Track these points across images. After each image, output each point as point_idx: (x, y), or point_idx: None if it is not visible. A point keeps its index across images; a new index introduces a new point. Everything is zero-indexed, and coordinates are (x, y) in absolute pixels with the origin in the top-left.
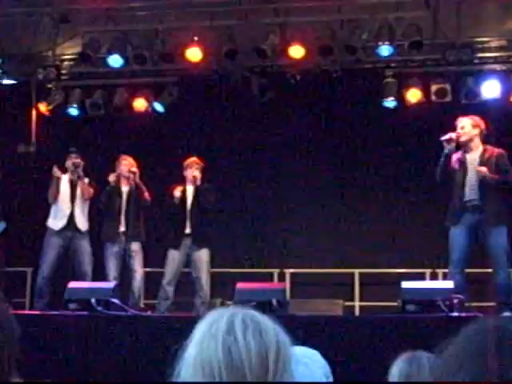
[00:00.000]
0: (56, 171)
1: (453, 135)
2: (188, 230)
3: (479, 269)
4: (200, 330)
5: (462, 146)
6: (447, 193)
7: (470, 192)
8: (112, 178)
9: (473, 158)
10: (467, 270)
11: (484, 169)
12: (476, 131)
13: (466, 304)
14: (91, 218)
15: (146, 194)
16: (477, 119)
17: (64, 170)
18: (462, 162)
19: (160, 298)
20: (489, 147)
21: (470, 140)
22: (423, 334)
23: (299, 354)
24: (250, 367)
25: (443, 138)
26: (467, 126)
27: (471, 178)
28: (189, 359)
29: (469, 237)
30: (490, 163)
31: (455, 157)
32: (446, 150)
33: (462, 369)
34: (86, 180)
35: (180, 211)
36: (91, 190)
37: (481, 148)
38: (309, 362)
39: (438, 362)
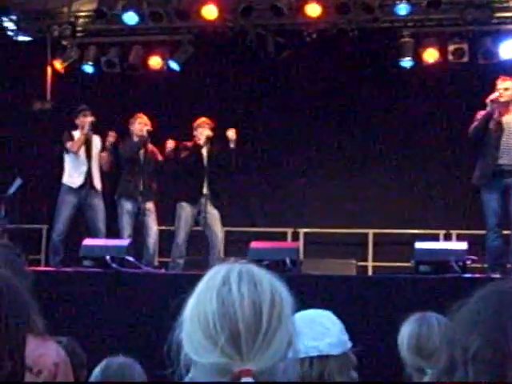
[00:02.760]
0: (88, 119)
1: (496, 94)
2: (205, 190)
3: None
4: (199, 285)
5: (499, 107)
6: (475, 152)
7: (504, 155)
8: (145, 133)
9: (509, 119)
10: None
11: None
12: None
13: (507, 266)
14: (103, 177)
15: (159, 155)
16: None
17: (74, 127)
18: (498, 124)
19: (175, 256)
20: None
21: (510, 102)
22: (436, 295)
23: (314, 314)
24: (243, 316)
25: (490, 97)
26: (511, 88)
27: (507, 141)
28: (187, 311)
29: (501, 200)
30: None
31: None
32: (488, 109)
33: (474, 331)
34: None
35: (196, 171)
36: (111, 165)
37: None
38: (324, 320)
39: (451, 323)
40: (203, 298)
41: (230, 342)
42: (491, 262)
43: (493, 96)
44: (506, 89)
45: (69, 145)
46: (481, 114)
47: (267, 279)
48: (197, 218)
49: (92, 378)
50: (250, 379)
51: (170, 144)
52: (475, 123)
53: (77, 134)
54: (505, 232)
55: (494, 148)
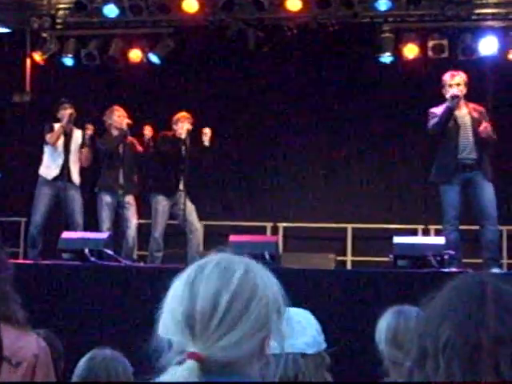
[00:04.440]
0: (67, 112)
1: (455, 90)
2: (182, 184)
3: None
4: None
5: (458, 102)
6: (435, 149)
7: (465, 149)
8: (125, 126)
9: (462, 114)
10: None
11: (489, 127)
12: (465, 88)
13: (461, 260)
14: (82, 171)
15: (139, 147)
16: (464, 75)
17: (56, 120)
18: (454, 120)
19: (152, 249)
20: (470, 104)
21: (461, 98)
22: (414, 289)
23: (291, 312)
24: (202, 299)
25: (454, 93)
26: (462, 83)
27: (465, 136)
28: (169, 291)
29: (461, 194)
30: (480, 120)
31: (438, 112)
32: (450, 105)
33: (445, 321)
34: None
35: (174, 164)
36: (90, 161)
37: (464, 105)
38: (301, 319)
39: (423, 315)
40: (181, 277)
41: (187, 323)
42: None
43: (454, 92)
44: (458, 84)
45: (47, 137)
46: (434, 111)
47: (244, 270)
48: (172, 211)
49: (76, 369)
50: (194, 362)
51: (148, 131)
52: (436, 120)
53: (56, 126)
54: (470, 227)
55: (453, 144)
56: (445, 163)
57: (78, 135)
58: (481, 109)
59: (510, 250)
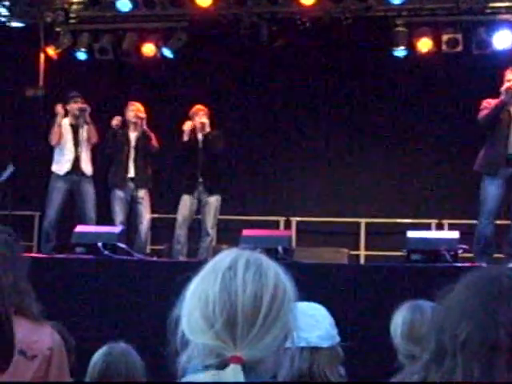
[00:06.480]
0: (59, 109)
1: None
2: (200, 178)
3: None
4: (206, 267)
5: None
6: (481, 141)
7: None
8: (115, 121)
9: None
10: None
11: None
12: None
13: (493, 255)
14: (96, 163)
15: (154, 141)
16: None
17: (65, 114)
18: (508, 113)
19: (173, 243)
20: None
21: None
22: (427, 284)
23: (305, 307)
24: (243, 304)
25: (506, 86)
26: None
27: None
28: (190, 289)
29: (503, 189)
30: None
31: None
32: (503, 97)
33: (463, 319)
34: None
35: (191, 158)
36: (97, 136)
37: None
38: (315, 313)
39: (440, 310)
40: (207, 279)
41: (226, 327)
42: (478, 250)
43: (509, 84)
44: None
45: (49, 139)
46: (489, 102)
47: (273, 271)
48: (198, 208)
49: (92, 364)
50: (238, 366)
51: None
52: (486, 111)
53: (66, 120)
54: (499, 222)
55: (504, 137)
56: (493, 155)
57: (87, 129)
58: None
59: None
